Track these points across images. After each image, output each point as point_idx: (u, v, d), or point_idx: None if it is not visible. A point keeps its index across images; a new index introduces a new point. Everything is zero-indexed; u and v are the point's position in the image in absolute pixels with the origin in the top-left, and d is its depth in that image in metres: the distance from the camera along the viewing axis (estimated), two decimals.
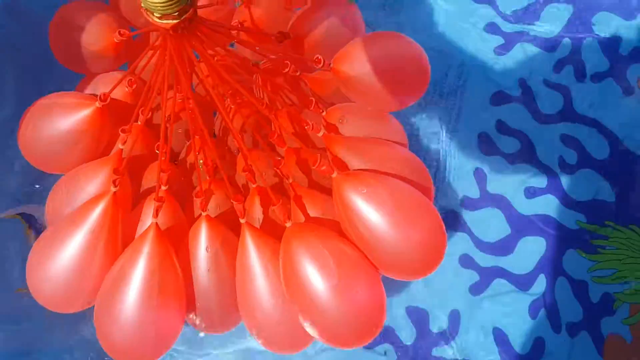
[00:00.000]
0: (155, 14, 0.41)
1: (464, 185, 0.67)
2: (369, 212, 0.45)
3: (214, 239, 0.49)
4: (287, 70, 0.51)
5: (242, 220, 0.48)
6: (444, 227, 0.47)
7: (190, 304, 0.50)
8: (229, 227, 0.50)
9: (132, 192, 0.52)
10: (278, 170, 0.49)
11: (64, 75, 0.61)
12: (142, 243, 0.46)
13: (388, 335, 0.61)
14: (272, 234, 0.48)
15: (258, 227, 0.50)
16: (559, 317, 0.61)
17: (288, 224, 0.46)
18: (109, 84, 0.50)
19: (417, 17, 0.74)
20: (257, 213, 0.50)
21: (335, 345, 0.46)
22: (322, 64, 0.51)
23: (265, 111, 0.50)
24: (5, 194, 0.55)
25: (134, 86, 0.51)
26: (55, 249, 0.47)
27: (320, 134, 0.50)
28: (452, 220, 0.65)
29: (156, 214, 0.47)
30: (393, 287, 0.50)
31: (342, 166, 0.49)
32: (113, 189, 0.47)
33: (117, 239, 0.48)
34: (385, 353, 0.60)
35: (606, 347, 0.59)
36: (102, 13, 0.52)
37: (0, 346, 0.54)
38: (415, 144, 0.56)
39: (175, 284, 0.48)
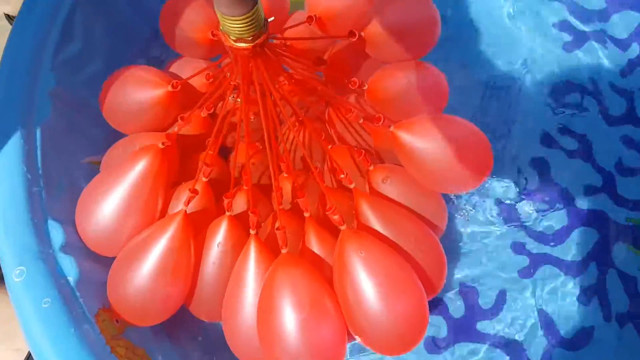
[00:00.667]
0: (231, 37, 0.44)
1: (522, 174, 0.70)
2: (358, 274, 0.47)
3: (228, 239, 0.53)
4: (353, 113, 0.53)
5: (252, 232, 0.51)
6: (427, 310, 0.49)
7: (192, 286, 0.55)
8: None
9: (178, 169, 0.57)
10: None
11: (152, 38, 0.67)
12: (169, 224, 0.52)
13: (439, 307, 0.65)
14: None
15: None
16: (610, 306, 0.64)
17: (284, 251, 0.49)
18: (192, 70, 0.55)
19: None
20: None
21: None
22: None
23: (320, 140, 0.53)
24: (90, 141, 0.62)
25: (211, 80, 0.55)
26: (101, 194, 0.53)
27: (351, 186, 0.51)
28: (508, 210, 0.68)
29: (187, 203, 0.52)
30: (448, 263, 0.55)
31: (359, 224, 0.51)
32: (160, 146, 0.52)
33: (157, 196, 0.54)
34: None
35: None
36: (208, 7, 0.56)
37: None
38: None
39: (186, 267, 0.53)
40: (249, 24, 0.43)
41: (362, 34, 0.56)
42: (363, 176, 0.55)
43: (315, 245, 0.52)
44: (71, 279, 0.52)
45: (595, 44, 0.76)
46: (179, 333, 0.61)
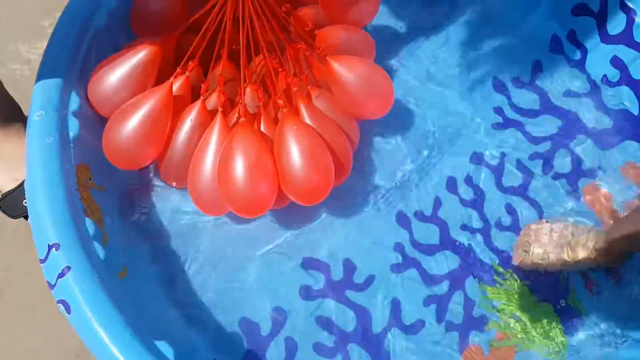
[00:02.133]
0: None
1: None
2: (290, 142, 0.68)
3: (199, 116, 0.71)
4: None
5: (219, 109, 0.70)
6: (333, 175, 0.69)
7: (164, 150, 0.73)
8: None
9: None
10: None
11: None
12: (157, 91, 0.70)
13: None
14: None
15: None
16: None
17: (242, 120, 0.69)
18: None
19: None
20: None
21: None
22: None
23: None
24: None
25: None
26: (110, 67, 0.71)
27: (294, 89, 0.73)
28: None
29: (173, 77, 0.72)
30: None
31: (296, 111, 0.72)
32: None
33: (152, 74, 0.72)
34: None
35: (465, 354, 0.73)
36: None
37: None
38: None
39: (162, 128, 0.71)
40: None
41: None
42: (303, 89, 0.75)
43: (264, 126, 0.72)
44: (71, 133, 0.68)
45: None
46: (132, 210, 0.76)
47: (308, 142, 0.68)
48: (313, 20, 0.80)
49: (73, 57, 0.71)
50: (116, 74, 0.71)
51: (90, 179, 0.70)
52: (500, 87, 0.90)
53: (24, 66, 0.92)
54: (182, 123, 0.72)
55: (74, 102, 0.70)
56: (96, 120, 0.72)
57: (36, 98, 0.67)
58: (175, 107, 0.72)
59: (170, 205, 0.77)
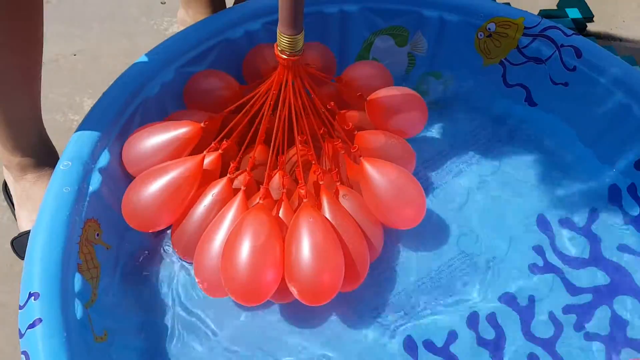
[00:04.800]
0: (279, 48, 0.68)
1: None
2: (303, 233, 0.65)
3: (222, 193, 0.71)
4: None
5: (242, 187, 0.70)
6: (341, 281, 0.65)
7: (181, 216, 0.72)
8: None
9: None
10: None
11: None
12: (187, 161, 0.71)
13: None
14: None
15: None
16: None
17: (261, 201, 0.67)
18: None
19: None
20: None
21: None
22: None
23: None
24: None
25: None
26: (148, 133, 0.73)
27: (321, 183, 0.71)
28: None
29: (208, 151, 0.73)
30: None
31: (317, 204, 0.70)
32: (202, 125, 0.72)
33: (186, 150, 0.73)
34: None
35: None
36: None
37: None
38: None
39: (183, 197, 0.71)
40: (291, 43, 0.67)
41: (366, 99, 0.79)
42: (331, 184, 0.73)
43: (282, 212, 0.70)
44: (91, 187, 0.69)
45: None
46: (133, 273, 0.75)
47: (321, 236, 0.65)
48: (357, 123, 0.80)
49: (116, 118, 0.74)
50: (154, 140, 0.72)
51: (98, 234, 0.69)
52: (544, 226, 0.84)
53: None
54: (204, 196, 0.71)
55: (104, 158, 0.71)
56: (120, 180, 0.73)
57: (68, 148, 0.69)
58: (202, 180, 0.72)
59: (174, 277, 0.75)
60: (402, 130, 0.81)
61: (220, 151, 0.73)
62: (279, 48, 0.69)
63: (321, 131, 0.75)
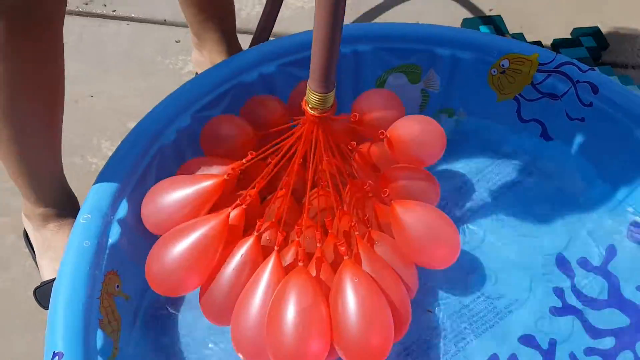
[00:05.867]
0: (309, 105, 0.67)
1: None
2: (349, 294, 0.63)
3: (251, 253, 0.67)
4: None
5: (275, 247, 0.67)
6: (392, 339, 0.64)
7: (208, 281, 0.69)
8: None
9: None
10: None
11: None
12: (211, 218, 0.67)
13: None
14: None
15: None
16: None
17: (300, 264, 0.65)
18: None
19: None
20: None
21: None
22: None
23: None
24: None
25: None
26: (168, 188, 0.71)
27: (356, 233, 0.69)
28: None
29: (232, 207, 0.70)
30: None
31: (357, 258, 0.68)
32: (225, 177, 0.71)
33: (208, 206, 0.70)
34: None
35: None
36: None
37: None
38: None
39: (210, 258, 0.67)
40: (322, 100, 0.66)
41: (388, 135, 0.77)
42: (364, 233, 0.72)
43: (322, 272, 0.68)
44: (111, 240, 0.69)
45: None
46: (154, 326, 0.75)
47: (369, 298, 0.63)
48: (378, 158, 0.80)
49: (133, 167, 0.74)
50: (174, 197, 0.70)
51: (118, 286, 0.70)
52: (564, 266, 0.83)
53: (101, 161, 0.98)
54: (232, 257, 0.67)
55: (123, 208, 0.72)
56: (137, 229, 0.73)
57: (87, 201, 0.70)
58: (227, 238, 0.68)
59: (198, 333, 0.75)
60: (421, 160, 0.80)
61: (244, 206, 0.70)
62: (308, 105, 0.67)
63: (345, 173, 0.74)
